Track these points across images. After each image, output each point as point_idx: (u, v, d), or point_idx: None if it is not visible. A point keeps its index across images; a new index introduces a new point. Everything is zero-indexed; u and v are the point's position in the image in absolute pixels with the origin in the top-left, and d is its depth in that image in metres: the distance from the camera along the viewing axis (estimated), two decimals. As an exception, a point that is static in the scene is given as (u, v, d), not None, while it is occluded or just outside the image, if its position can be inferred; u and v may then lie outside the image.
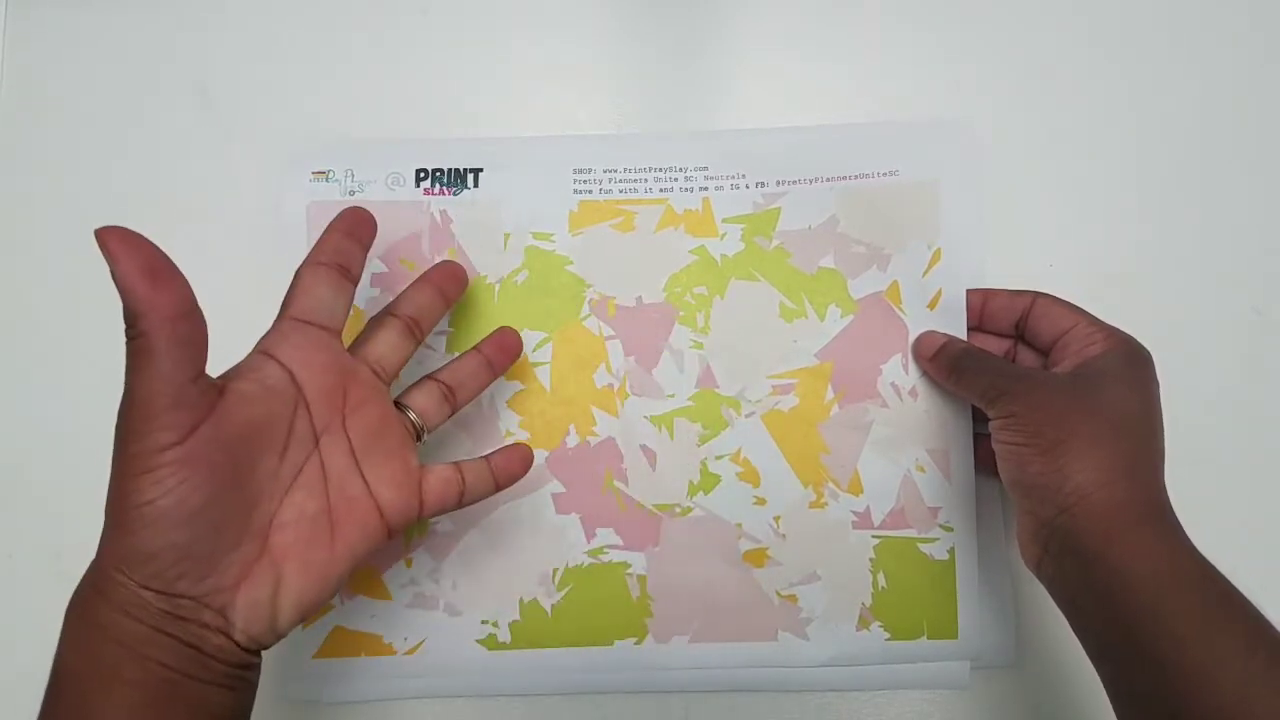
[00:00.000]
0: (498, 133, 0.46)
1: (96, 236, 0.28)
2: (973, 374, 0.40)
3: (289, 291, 0.35)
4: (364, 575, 0.44)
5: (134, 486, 0.28)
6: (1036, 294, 0.41)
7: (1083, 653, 0.42)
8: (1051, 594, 0.37)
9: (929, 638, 0.43)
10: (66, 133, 0.47)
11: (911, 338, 0.44)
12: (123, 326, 0.29)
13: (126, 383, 0.29)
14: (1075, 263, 0.45)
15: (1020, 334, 0.42)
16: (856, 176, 0.44)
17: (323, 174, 0.44)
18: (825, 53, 0.47)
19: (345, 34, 0.47)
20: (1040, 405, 0.36)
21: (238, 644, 0.31)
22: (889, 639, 0.43)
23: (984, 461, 0.43)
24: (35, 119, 0.47)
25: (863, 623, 0.43)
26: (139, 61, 0.47)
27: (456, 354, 0.44)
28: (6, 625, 0.41)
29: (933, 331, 0.43)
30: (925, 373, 0.43)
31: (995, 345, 0.43)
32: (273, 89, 0.47)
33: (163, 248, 0.29)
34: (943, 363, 0.41)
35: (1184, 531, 0.34)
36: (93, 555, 0.30)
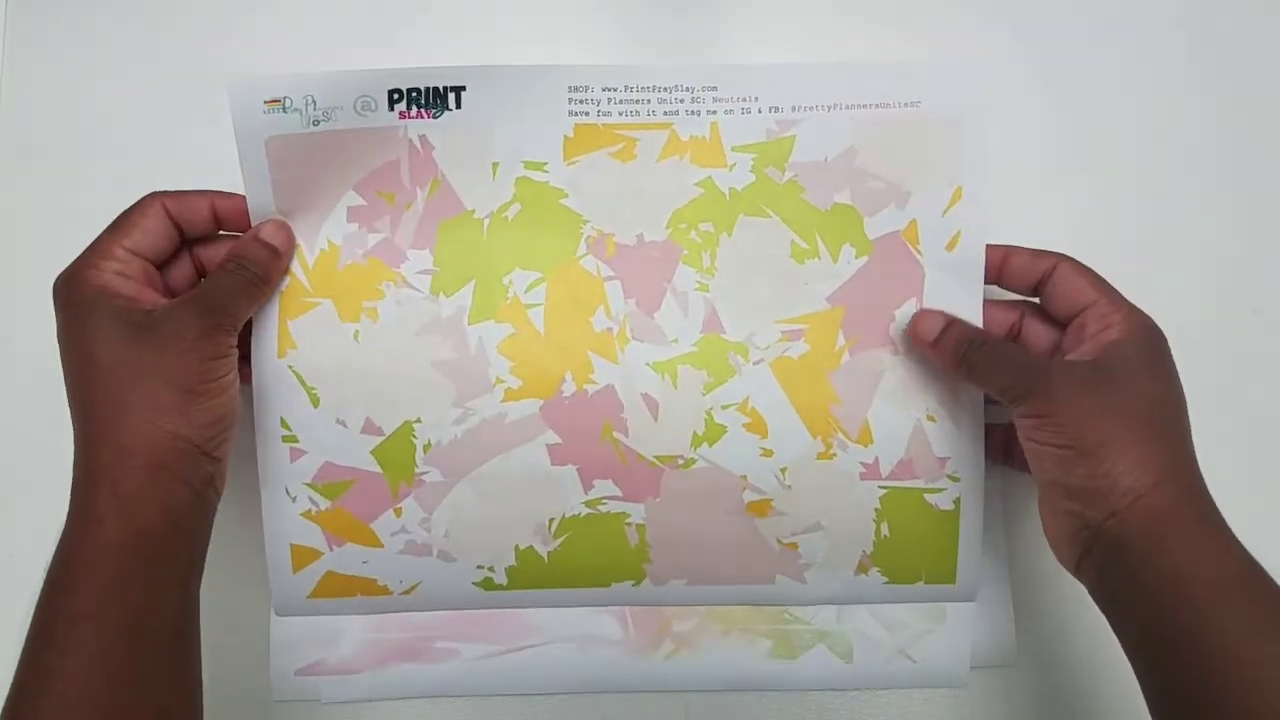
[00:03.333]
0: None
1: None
2: (989, 368, 0.37)
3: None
4: (351, 525, 0.42)
5: (209, 368, 0.36)
6: (1060, 257, 0.39)
7: (1083, 653, 0.42)
8: (1092, 593, 0.36)
9: (926, 583, 0.43)
10: (67, 133, 0.47)
11: (928, 281, 0.41)
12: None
13: (219, 293, 0.37)
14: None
15: (1035, 296, 0.40)
16: (877, 105, 0.40)
17: (277, 103, 0.38)
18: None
19: (347, 34, 0.47)
20: (1074, 403, 0.35)
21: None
22: (886, 583, 0.43)
23: (994, 455, 0.42)
24: (35, 119, 0.47)
25: (861, 568, 0.43)
26: (139, 62, 0.47)
27: (440, 294, 0.41)
28: (6, 625, 0.39)
29: (930, 311, 0.40)
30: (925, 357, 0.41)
31: (1003, 315, 0.41)
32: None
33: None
34: (949, 350, 0.39)
35: (1232, 531, 0.34)
36: None
